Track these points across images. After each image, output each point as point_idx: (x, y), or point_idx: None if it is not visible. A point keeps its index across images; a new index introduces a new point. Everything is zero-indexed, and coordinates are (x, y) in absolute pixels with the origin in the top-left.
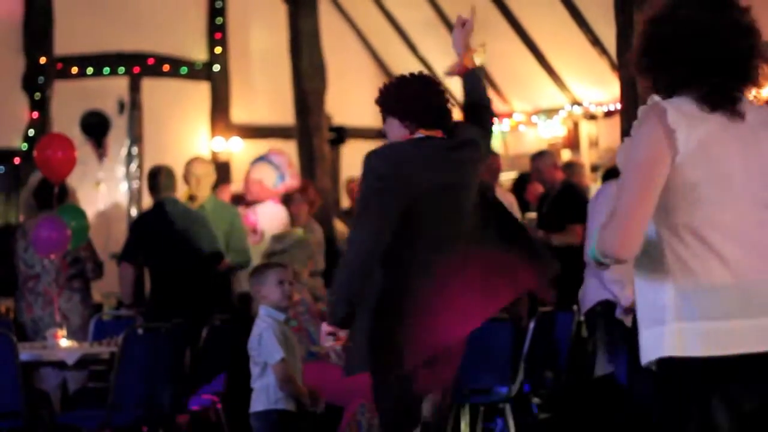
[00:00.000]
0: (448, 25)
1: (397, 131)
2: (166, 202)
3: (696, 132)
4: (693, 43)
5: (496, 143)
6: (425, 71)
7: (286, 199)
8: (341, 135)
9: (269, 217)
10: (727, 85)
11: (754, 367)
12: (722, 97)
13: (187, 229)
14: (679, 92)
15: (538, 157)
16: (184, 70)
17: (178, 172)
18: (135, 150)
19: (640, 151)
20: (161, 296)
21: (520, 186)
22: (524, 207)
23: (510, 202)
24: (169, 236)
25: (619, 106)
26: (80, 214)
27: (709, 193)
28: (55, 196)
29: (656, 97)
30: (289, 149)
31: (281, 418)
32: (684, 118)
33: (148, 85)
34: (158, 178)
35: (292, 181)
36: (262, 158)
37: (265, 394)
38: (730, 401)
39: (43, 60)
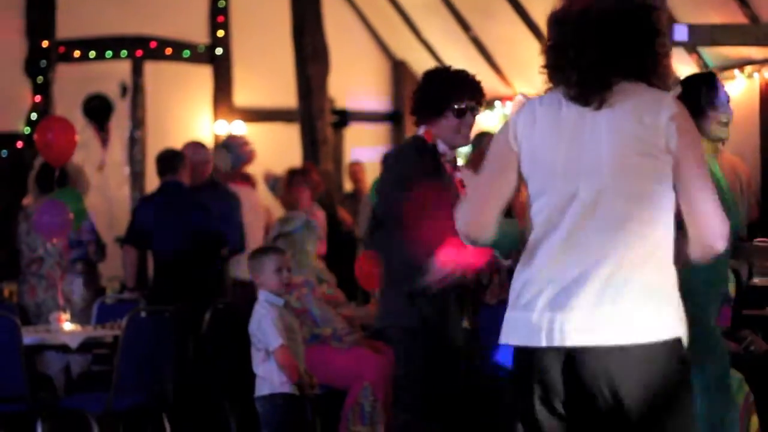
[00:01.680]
0: (451, 9)
1: None
2: (170, 185)
3: (534, 126)
4: (562, 34)
5: (500, 125)
6: (427, 54)
7: (290, 181)
8: (344, 118)
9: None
10: (590, 75)
11: (542, 360)
12: (582, 89)
13: (190, 213)
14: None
15: None
16: (186, 53)
17: None
18: (138, 134)
19: (491, 148)
20: (164, 280)
21: None
22: None
23: None
24: (172, 220)
25: None
26: (77, 197)
27: (535, 186)
28: (55, 180)
29: (519, 96)
30: (292, 132)
31: (286, 401)
32: (530, 115)
33: (150, 68)
34: (164, 161)
35: (249, 158)
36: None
37: (269, 378)
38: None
39: (45, 44)
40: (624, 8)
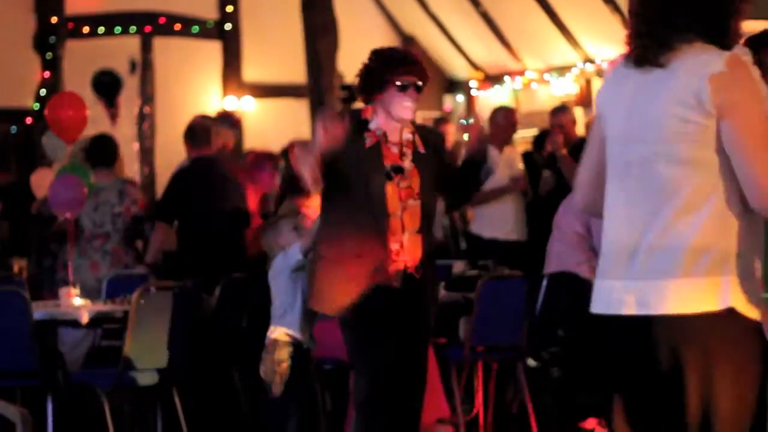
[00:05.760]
0: None
1: None
2: (205, 159)
3: (605, 95)
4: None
5: (509, 101)
6: (437, 29)
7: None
8: (353, 94)
9: None
10: (653, 38)
11: (620, 329)
12: (643, 51)
13: (225, 188)
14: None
15: (561, 111)
16: (195, 29)
17: None
18: (147, 109)
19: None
20: (192, 255)
21: (539, 143)
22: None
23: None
24: (210, 195)
25: None
26: (83, 172)
27: (607, 153)
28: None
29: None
30: (301, 108)
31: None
32: (606, 85)
33: (159, 44)
34: (199, 133)
35: None
36: None
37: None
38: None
39: (54, 20)
40: None
